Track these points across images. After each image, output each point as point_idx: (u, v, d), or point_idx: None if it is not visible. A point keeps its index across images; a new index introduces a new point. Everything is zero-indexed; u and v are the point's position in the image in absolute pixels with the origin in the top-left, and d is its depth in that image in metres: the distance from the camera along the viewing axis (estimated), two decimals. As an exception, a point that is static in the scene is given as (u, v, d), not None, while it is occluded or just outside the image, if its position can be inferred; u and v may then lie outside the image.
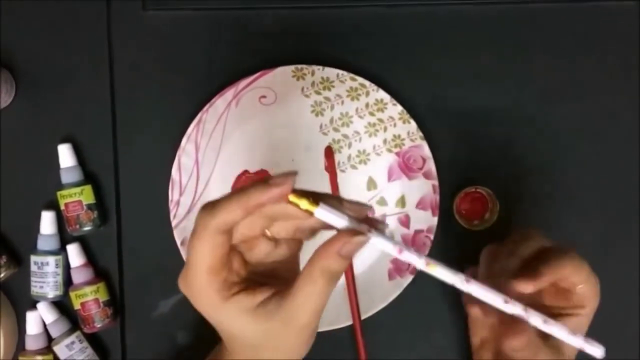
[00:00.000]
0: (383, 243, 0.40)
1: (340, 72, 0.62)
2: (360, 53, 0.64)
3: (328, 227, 0.41)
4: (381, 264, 0.62)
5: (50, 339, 0.63)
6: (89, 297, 0.61)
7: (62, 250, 0.63)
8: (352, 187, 0.63)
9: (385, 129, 0.63)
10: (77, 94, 0.64)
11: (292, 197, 0.40)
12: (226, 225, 0.39)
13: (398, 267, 0.62)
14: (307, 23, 0.64)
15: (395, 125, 0.62)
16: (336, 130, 0.63)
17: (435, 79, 0.64)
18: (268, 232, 0.43)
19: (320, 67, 0.62)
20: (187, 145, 0.62)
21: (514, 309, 0.41)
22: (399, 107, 0.62)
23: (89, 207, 0.62)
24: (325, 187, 0.63)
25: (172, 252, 0.62)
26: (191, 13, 0.65)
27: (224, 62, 0.64)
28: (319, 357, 0.64)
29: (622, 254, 0.64)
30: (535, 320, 0.42)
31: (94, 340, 0.64)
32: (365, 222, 0.40)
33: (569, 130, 0.64)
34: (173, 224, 0.62)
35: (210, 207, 0.40)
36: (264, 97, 0.62)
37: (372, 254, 0.63)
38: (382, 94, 0.62)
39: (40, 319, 0.62)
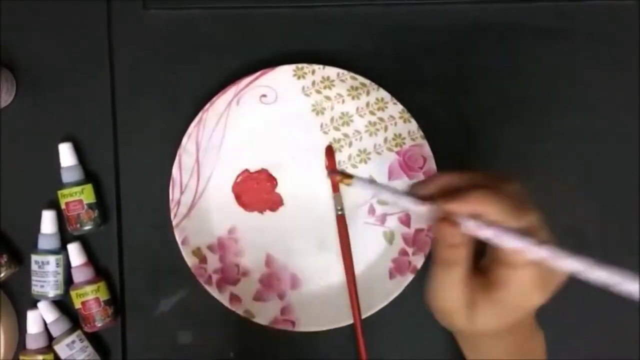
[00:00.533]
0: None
1: (341, 71, 0.62)
2: (360, 52, 0.64)
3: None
4: (382, 263, 0.62)
5: (51, 338, 0.63)
6: (90, 296, 0.61)
7: (62, 250, 0.63)
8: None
9: (385, 128, 0.63)
10: (78, 93, 0.64)
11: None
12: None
13: (399, 266, 0.62)
14: (307, 22, 0.64)
15: (395, 124, 0.62)
16: (337, 129, 0.63)
17: (435, 78, 0.64)
18: None
19: (321, 66, 0.62)
20: (187, 144, 0.62)
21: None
22: (400, 106, 0.62)
23: (90, 206, 0.62)
24: (325, 187, 0.63)
25: (172, 251, 0.62)
26: (191, 12, 0.65)
27: (224, 61, 0.64)
28: (319, 357, 0.64)
29: (622, 253, 0.64)
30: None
31: (95, 340, 0.64)
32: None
33: (569, 130, 0.64)
34: (174, 223, 0.62)
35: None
36: (264, 96, 0.63)
37: (373, 254, 0.63)
38: (383, 93, 0.62)
39: (40, 318, 0.62)
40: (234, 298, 0.62)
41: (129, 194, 0.65)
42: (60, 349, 0.62)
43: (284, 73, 0.62)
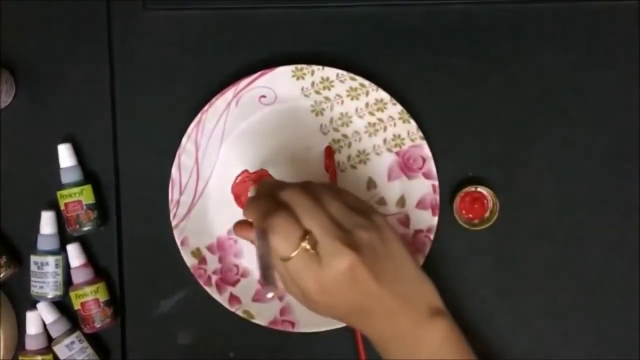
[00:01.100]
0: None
1: (340, 71, 0.62)
2: (360, 53, 0.64)
3: None
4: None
5: (50, 339, 0.63)
6: (89, 297, 0.61)
7: (62, 250, 0.63)
8: (352, 187, 0.63)
9: (385, 129, 0.63)
10: (77, 93, 0.65)
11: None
12: None
13: (398, 267, 0.62)
14: (307, 23, 0.64)
15: (395, 125, 0.62)
16: (336, 130, 0.63)
17: (434, 79, 0.64)
18: None
19: (320, 67, 0.62)
20: (187, 144, 0.62)
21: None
22: (399, 107, 0.61)
23: (89, 207, 0.62)
24: (325, 187, 0.63)
25: (172, 252, 0.62)
26: (191, 12, 0.65)
27: (224, 61, 0.64)
28: (319, 357, 0.64)
29: (622, 253, 0.64)
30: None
31: (94, 340, 0.64)
32: None
33: (569, 130, 0.64)
34: (173, 223, 0.62)
35: None
36: (263, 96, 0.62)
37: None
38: (382, 94, 0.61)
39: (40, 319, 0.62)
40: (234, 298, 0.62)
41: (128, 195, 0.65)
42: (60, 349, 0.62)
43: (283, 74, 0.61)
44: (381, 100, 0.62)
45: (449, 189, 0.63)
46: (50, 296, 0.62)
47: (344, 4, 0.64)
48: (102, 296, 0.62)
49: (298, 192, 0.49)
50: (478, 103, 0.64)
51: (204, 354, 0.65)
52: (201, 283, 0.62)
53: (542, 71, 0.64)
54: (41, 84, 0.65)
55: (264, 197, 0.50)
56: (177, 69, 0.65)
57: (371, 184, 0.63)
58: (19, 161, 0.64)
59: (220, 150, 0.63)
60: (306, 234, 0.46)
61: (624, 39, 0.64)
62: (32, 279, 0.62)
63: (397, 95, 0.62)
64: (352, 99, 0.62)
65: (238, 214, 0.63)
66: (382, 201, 0.63)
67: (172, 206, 0.62)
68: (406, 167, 0.63)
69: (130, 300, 0.64)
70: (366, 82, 0.61)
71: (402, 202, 0.63)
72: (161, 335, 0.65)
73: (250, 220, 0.50)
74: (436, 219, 0.62)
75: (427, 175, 0.62)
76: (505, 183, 0.63)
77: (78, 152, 0.63)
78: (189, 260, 0.62)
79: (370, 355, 0.62)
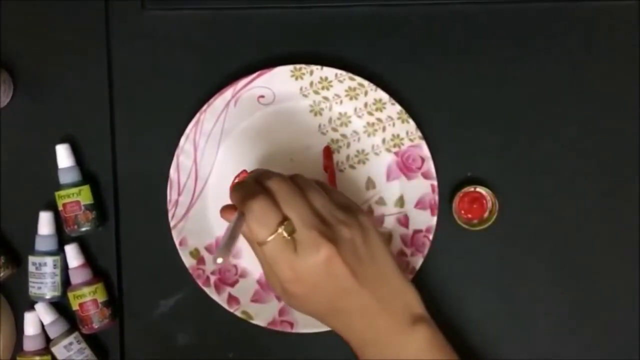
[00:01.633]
0: None
1: (339, 71, 0.61)
2: (358, 53, 0.64)
3: None
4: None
5: (48, 340, 0.63)
6: (87, 298, 0.61)
7: (60, 251, 0.63)
8: (351, 187, 0.63)
9: (384, 129, 0.63)
10: (76, 93, 0.64)
11: None
12: None
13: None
14: (305, 23, 0.64)
15: (394, 125, 0.62)
16: (335, 130, 0.63)
17: (434, 79, 0.64)
18: None
19: (319, 67, 0.61)
20: (185, 145, 0.62)
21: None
22: (398, 107, 0.61)
23: (87, 207, 0.62)
24: (324, 187, 0.63)
25: (170, 252, 0.62)
26: (190, 12, 0.65)
27: (222, 61, 0.64)
28: (318, 357, 0.64)
29: (622, 253, 0.63)
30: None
31: (93, 341, 0.64)
32: None
33: (569, 130, 0.64)
34: (171, 224, 0.62)
35: None
36: (262, 97, 0.62)
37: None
38: (381, 94, 0.61)
39: (38, 319, 0.62)
40: (232, 299, 0.62)
41: (126, 195, 0.64)
42: (58, 350, 0.62)
43: (281, 74, 0.61)
44: (380, 100, 0.62)
45: (448, 189, 0.63)
46: (48, 297, 0.62)
47: (343, 4, 0.64)
48: (101, 297, 0.62)
49: (283, 180, 0.49)
50: (477, 103, 0.64)
51: (202, 354, 0.65)
52: (200, 283, 0.62)
53: (542, 71, 0.64)
54: (39, 84, 0.65)
55: (250, 182, 0.50)
56: (176, 69, 0.64)
57: (370, 184, 0.63)
58: (17, 161, 0.64)
59: (218, 151, 0.63)
60: (284, 220, 0.47)
61: (624, 39, 0.64)
62: (30, 279, 0.62)
63: (396, 95, 0.62)
64: (350, 98, 0.62)
65: (237, 214, 0.63)
66: (381, 201, 0.63)
67: (170, 206, 0.62)
68: (405, 167, 0.62)
69: (129, 300, 0.64)
70: (365, 82, 0.61)
71: (401, 202, 0.63)
72: (160, 336, 0.64)
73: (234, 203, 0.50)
74: (435, 219, 0.61)
75: (426, 175, 0.62)
76: (505, 183, 0.63)
77: (76, 153, 0.63)
78: (188, 261, 0.62)
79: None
